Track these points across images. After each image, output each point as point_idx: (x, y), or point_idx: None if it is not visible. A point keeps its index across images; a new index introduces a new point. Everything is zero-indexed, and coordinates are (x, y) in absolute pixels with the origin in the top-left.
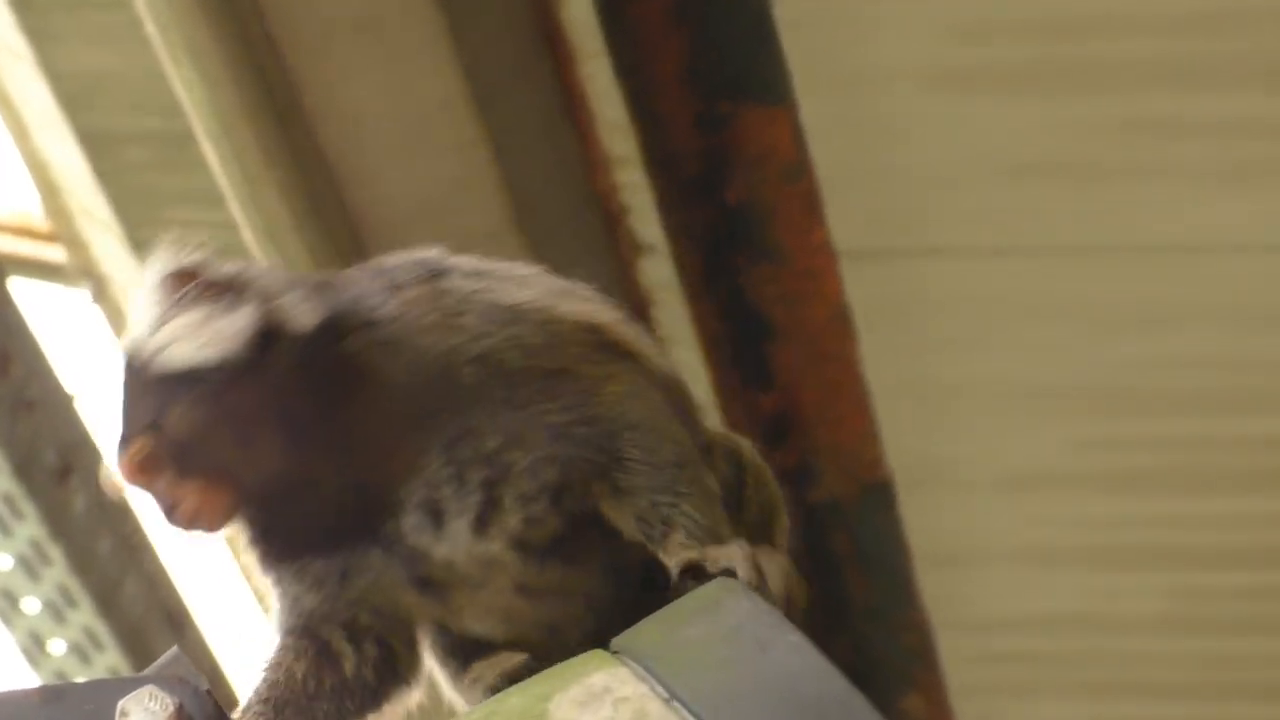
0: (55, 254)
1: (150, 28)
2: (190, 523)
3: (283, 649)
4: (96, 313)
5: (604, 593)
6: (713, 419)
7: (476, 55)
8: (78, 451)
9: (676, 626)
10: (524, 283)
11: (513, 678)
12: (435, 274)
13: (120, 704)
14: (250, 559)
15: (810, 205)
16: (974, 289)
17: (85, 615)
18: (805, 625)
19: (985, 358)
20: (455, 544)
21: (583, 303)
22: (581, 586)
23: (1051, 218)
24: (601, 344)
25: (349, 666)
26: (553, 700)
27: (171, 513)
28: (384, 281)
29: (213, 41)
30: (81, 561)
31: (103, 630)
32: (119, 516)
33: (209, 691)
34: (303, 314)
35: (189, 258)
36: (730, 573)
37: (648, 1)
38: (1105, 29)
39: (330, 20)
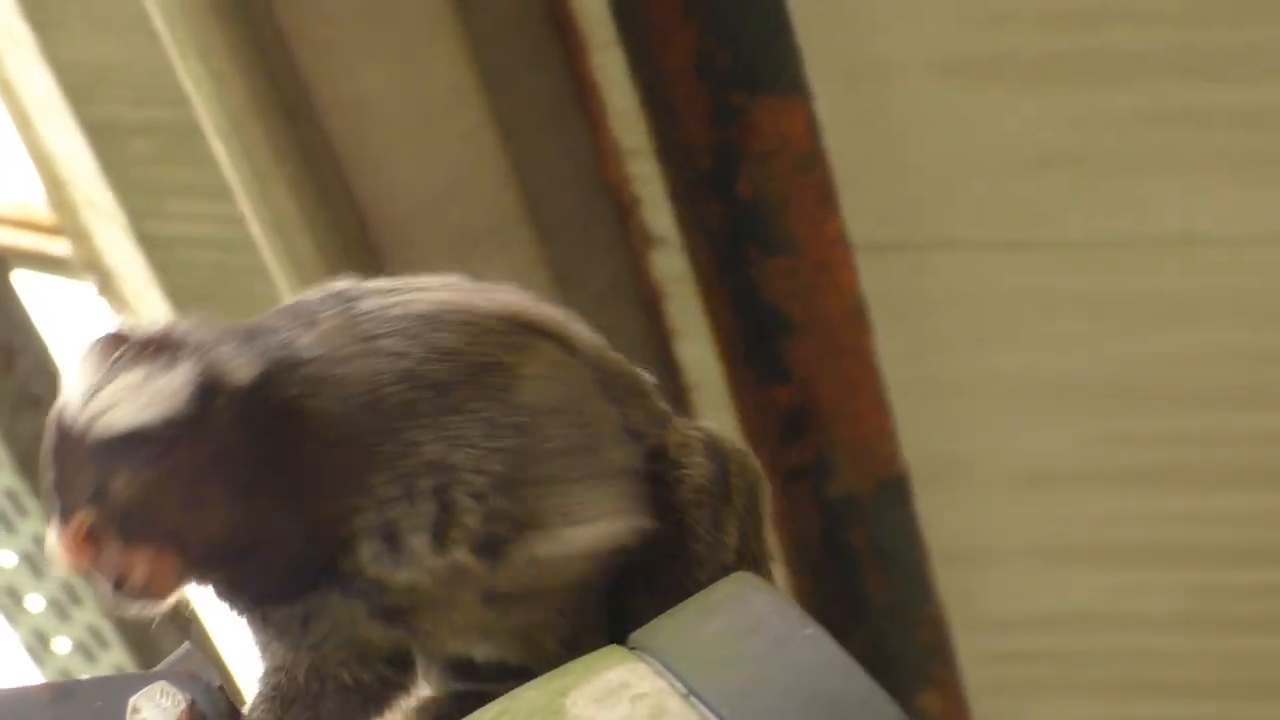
0: (60, 247)
1: (158, 21)
2: (141, 593)
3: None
4: (102, 306)
5: (567, 593)
6: (728, 414)
7: (486, 45)
8: None
9: (695, 622)
10: (441, 288)
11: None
12: (349, 300)
13: (132, 701)
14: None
15: (824, 196)
16: (988, 282)
17: (89, 613)
18: (822, 620)
19: (1000, 352)
20: (417, 564)
21: (501, 294)
22: (545, 586)
23: (1069, 210)
24: (519, 326)
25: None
26: (569, 696)
27: (120, 585)
28: (304, 320)
29: (220, 33)
30: None
31: (107, 628)
32: None
33: (221, 688)
34: (239, 367)
35: (118, 324)
36: None
37: None
38: (1122, 18)
39: (339, 10)
